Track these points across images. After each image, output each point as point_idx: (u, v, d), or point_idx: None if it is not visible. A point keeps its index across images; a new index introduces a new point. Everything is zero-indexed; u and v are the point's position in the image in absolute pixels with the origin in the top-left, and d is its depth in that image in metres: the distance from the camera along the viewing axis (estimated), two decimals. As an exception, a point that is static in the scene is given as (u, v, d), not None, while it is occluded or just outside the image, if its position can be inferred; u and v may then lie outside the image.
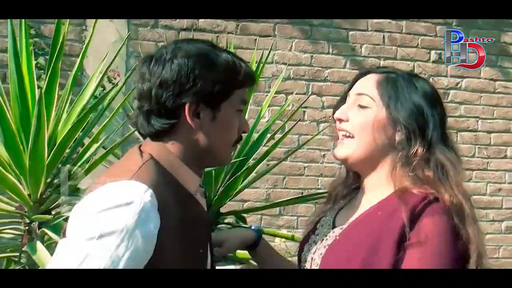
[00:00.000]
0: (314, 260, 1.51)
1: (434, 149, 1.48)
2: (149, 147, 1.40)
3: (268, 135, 2.68)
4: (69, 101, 2.42)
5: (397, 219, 1.38)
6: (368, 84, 1.54)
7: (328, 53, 4.56)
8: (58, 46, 2.37)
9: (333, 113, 1.60)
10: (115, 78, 3.62)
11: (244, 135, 1.69)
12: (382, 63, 4.65)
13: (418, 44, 4.72)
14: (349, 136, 1.52)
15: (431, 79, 4.71)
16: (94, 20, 2.61)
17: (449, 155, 1.48)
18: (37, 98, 2.21)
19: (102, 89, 3.61)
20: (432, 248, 1.36)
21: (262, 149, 2.62)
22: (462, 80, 4.82)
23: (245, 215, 2.37)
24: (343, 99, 1.60)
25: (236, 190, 2.40)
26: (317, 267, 1.48)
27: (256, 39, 4.30)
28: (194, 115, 1.38)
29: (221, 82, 1.38)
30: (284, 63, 4.40)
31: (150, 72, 1.36)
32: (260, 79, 4.24)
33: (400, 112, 1.48)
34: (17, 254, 2.27)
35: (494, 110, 4.88)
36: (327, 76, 4.55)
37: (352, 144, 1.51)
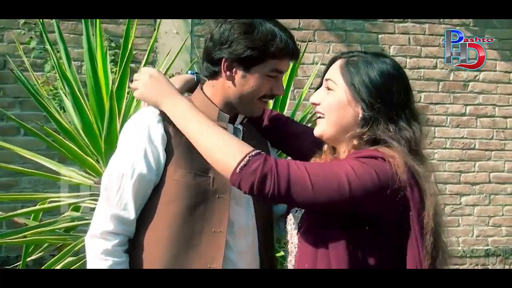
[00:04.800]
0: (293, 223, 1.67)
1: (396, 124, 1.54)
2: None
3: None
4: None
5: None
6: (334, 69, 1.63)
7: (361, 54, 4.89)
8: (128, 49, 2.60)
9: None
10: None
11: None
12: (408, 61, 4.89)
13: (439, 44, 4.90)
14: (321, 117, 1.64)
15: (452, 73, 4.89)
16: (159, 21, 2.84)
17: (408, 131, 1.54)
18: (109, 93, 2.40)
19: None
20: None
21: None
22: (480, 73, 4.95)
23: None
24: (320, 86, 1.69)
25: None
26: (296, 230, 1.64)
27: (299, 45, 4.71)
28: (227, 69, 1.66)
29: (253, 49, 1.62)
30: (324, 64, 4.68)
31: (211, 27, 1.70)
32: (304, 78, 4.58)
33: (359, 91, 1.55)
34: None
35: (509, 98, 5.04)
36: (361, 74, 4.78)
37: (324, 123, 1.62)
